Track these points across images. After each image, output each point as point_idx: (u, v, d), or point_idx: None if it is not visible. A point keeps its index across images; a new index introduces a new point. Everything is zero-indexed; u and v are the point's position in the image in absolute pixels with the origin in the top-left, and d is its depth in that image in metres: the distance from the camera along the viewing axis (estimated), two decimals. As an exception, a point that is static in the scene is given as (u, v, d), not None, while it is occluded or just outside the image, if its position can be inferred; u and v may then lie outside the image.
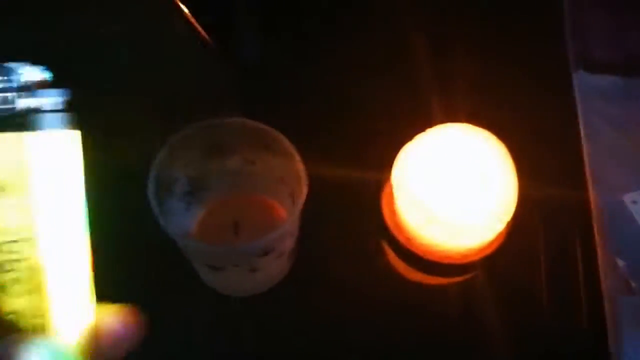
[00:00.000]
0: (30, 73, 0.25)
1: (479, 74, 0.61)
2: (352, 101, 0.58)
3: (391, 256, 0.56)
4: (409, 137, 0.53)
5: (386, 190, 0.55)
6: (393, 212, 0.54)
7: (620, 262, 0.55)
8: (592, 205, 0.56)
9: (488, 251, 0.53)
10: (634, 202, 0.57)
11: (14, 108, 0.24)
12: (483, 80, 0.61)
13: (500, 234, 0.52)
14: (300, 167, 0.44)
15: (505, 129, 0.55)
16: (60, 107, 0.25)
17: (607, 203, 0.57)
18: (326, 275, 0.55)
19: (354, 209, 0.55)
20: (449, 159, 0.53)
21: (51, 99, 0.25)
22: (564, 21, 0.65)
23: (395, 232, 0.54)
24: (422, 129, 0.53)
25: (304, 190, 0.43)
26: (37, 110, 0.24)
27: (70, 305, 0.26)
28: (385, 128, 0.56)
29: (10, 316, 0.25)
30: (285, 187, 0.50)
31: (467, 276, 0.55)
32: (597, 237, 0.55)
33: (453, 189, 0.52)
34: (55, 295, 0.25)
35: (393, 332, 0.54)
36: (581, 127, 0.61)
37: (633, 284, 0.54)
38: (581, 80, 0.63)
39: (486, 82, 0.61)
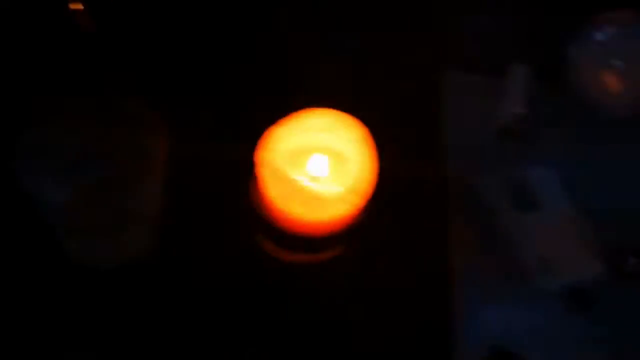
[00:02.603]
0: None
1: (353, 67, 0.66)
2: (221, 82, 0.62)
3: (260, 236, 0.60)
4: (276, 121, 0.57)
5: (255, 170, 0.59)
6: (257, 191, 0.57)
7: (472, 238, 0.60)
8: (448, 186, 0.61)
9: (349, 226, 0.57)
10: (485, 185, 0.63)
11: None
12: (357, 71, 0.66)
13: (360, 210, 0.57)
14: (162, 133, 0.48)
15: (374, 117, 0.60)
16: None
17: (462, 186, 0.62)
18: (194, 253, 0.58)
19: (222, 187, 0.58)
20: (312, 140, 0.58)
21: None
22: (435, 20, 0.71)
23: (260, 210, 0.57)
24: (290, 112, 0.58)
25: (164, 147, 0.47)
26: None
27: None
28: (251, 113, 0.61)
29: None
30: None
31: (332, 252, 0.59)
32: (449, 215, 0.60)
33: (314, 166, 0.57)
34: None
35: (262, 310, 0.57)
36: (448, 119, 0.67)
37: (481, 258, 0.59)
38: (451, 77, 0.69)
39: (359, 73, 0.66)
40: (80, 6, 0.59)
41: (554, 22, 0.72)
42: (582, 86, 0.69)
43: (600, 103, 0.69)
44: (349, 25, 0.69)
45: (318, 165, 0.57)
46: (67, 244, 0.53)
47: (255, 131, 0.56)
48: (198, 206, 0.58)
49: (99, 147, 0.51)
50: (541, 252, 0.59)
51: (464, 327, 0.55)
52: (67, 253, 0.54)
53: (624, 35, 0.68)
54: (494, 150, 0.66)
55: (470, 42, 0.72)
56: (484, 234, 0.60)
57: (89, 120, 0.52)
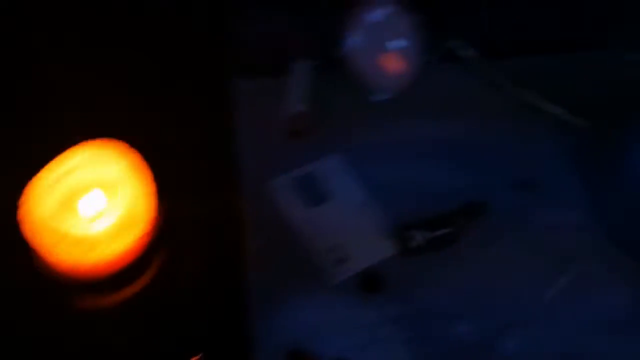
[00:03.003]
0: None
1: (129, 88, 0.65)
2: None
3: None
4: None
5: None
6: (31, 248, 0.54)
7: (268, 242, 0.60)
8: (241, 198, 0.61)
9: (137, 258, 0.56)
10: (277, 186, 0.63)
11: None
12: (136, 94, 0.65)
13: (144, 238, 0.55)
14: None
15: (153, 142, 0.59)
16: None
17: (257, 192, 0.62)
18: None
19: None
20: (82, 179, 0.55)
21: None
22: (221, 31, 0.70)
23: (39, 266, 0.54)
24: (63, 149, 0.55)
25: None
26: None
27: None
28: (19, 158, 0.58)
29: None
30: None
31: (125, 291, 0.57)
32: (244, 223, 0.59)
33: (85, 207, 0.55)
34: None
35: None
36: (237, 126, 0.66)
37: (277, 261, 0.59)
38: (236, 83, 0.68)
39: (138, 95, 0.65)
40: None
41: (335, 17, 0.72)
42: (361, 72, 0.70)
43: (379, 84, 0.70)
44: (112, 41, 0.67)
45: (89, 204, 0.55)
46: None
47: (17, 184, 0.54)
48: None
49: None
50: (333, 243, 0.59)
51: (262, 335, 0.54)
52: None
53: (389, 17, 0.70)
54: (284, 151, 0.66)
55: (253, 46, 0.72)
56: (279, 236, 0.60)
57: None
